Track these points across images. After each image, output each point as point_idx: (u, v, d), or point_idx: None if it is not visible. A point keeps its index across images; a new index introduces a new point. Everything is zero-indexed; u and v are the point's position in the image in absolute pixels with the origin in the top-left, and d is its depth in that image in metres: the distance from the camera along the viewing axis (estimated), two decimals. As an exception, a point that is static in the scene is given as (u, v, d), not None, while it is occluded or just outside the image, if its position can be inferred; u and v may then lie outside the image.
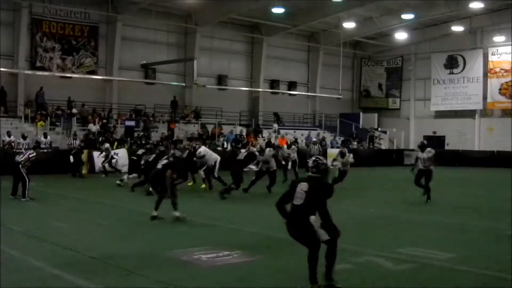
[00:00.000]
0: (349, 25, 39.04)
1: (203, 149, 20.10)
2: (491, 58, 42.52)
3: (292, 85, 43.91)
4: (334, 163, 20.90)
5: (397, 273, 8.21)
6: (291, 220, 7.04)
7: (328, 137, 41.05)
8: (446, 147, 43.09)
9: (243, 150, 20.76)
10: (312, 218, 6.83)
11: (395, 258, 9.02)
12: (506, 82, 41.79)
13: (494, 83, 42.32)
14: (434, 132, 44.70)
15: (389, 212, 15.10)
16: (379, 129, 45.62)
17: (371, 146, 42.42)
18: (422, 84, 46.22)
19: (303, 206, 6.89)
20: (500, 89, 42.10)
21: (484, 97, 42.66)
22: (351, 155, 21.45)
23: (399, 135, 44.71)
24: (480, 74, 42.91)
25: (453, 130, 43.87)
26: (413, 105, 46.88)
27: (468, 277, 8.21)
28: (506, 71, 41.81)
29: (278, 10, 34.52)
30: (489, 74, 42.55)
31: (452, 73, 44.23)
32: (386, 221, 13.48)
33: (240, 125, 38.33)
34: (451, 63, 44.23)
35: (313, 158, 7.33)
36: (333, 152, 30.56)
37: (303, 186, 6.99)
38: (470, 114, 43.56)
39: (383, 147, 43.62)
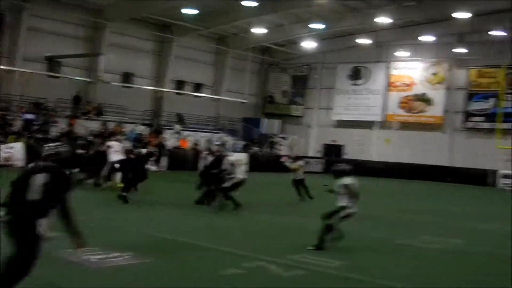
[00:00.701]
0: (258, 30, 39.41)
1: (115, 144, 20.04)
2: (393, 72, 44.25)
3: (198, 87, 43.79)
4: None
5: (285, 280, 8.35)
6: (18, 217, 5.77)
7: (230, 140, 41.21)
8: (345, 156, 44.37)
9: (143, 150, 20.53)
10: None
11: (286, 265, 9.16)
12: (406, 96, 43.58)
13: (395, 97, 44.01)
14: (334, 141, 45.87)
15: (285, 218, 15.34)
16: (280, 135, 46.28)
17: (271, 151, 42.96)
18: (326, 93, 47.26)
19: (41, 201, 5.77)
20: (399, 103, 43.83)
21: (384, 109, 44.27)
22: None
23: (299, 142, 45.58)
24: (381, 87, 44.50)
25: (353, 140, 45.15)
26: (316, 113, 47.88)
27: (354, 285, 8.47)
28: (406, 85, 43.56)
29: (190, 11, 34.30)
30: (390, 88, 44.21)
31: (356, 84, 45.56)
32: (282, 227, 13.69)
33: (143, 124, 37.76)
34: (356, 75, 45.57)
35: (51, 144, 6.44)
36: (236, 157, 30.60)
37: (40, 178, 5.83)
38: (370, 125, 45.00)
39: (282, 153, 44.21)
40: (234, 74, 45.18)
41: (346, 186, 10.73)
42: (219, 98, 44.71)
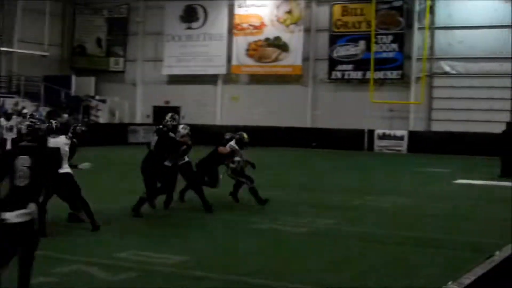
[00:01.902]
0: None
1: None
2: (237, 11, 44.56)
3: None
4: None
5: (112, 285, 8.20)
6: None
7: (30, 107, 39.67)
8: (182, 121, 44.35)
9: None
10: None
11: (113, 266, 9.05)
12: (255, 41, 44.20)
13: (241, 42, 44.53)
14: (167, 102, 45.76)
15: (116, 204, 14.94)
16: (97, 97, 45.46)
17: (87, 120, 41.96)
18: (153, 40, 47.00)
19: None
20: (247, 50, 44.40)
21: (229, 60, 44.76)
22: None
23: (122, 106, 45.02)
24: (224, 30, 44.86)
25: (191, 100, 45.27)
26: (141, 67, 47.49)
27: (202, 284, 8.53)
28: (255, 27, 44.11)
29: None
30: (234, 31, 44.60)
31: (191, 28, 45.59)
32: (108, 216, 13.33)
33: None
34: (190, 16, 45.55)
35: (27, 123, 7.48)
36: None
37: (24, 161, 7.02)
38: (212, 80, 45.37)
39: (101, 120, 43.47)
40: (29, 17, 43.43)
41: None
42: (11, 51, 42.82)
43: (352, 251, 10.82)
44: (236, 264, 9.62)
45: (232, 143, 15.24)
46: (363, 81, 40.73)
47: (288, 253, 10.55)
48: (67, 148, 11.49)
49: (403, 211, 15.75)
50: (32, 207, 6.81)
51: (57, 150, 10.78)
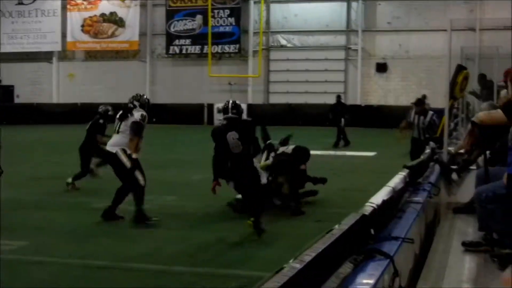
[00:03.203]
0: None
1: None
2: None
3: None
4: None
5: None
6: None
7: None
8: (17, 100, 42.92)
9: None
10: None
11: None
12: (90, 17, 43.36)
13: (76, 18, 43.48)
14: (-1, 81, 44.18)
15: None
16: None
17: None
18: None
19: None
20: (82, 26, 43.47)
21: (64, 36, 43.60)
22: None
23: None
24: (57, 6, 43.59)
25: (25, 78, 43.80)
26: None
27: (42, 269, 8.25)
28: (90, 3, 43.30)
29: None
30: (68, 7, 43.48)
31: (22, 3, 43.96)
32: None
33: None
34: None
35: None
36: None
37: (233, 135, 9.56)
38: (47, 57, 44.11)
39: None
40: None
41: None
42: None
43: (194, 227, 10.81)
44: (77, 247, 9.39)
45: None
46: (201, 56, 40.84)
47: (132, 232, 10.40)
48: None
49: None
50: None
51: None
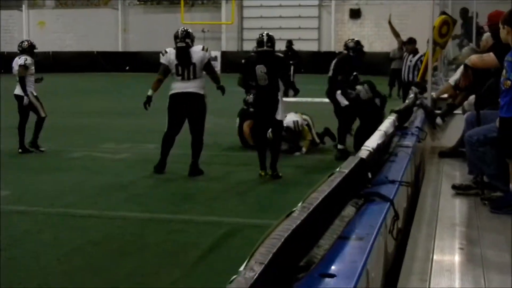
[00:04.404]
0: None
1: None
2: None
3: None
4: None
5: None
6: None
7: None
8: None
9: None
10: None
11: None
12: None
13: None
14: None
15: None
16: None
17: None
18: None
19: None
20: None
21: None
22: None
23: None
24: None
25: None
26: None
27: (26, 219, 8.17)
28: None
29: None
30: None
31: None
32: None
33: None
34: None
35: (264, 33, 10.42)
36: None
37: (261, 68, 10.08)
38: (16, 5, 43.43)
39: None
40: None
41: None
42: None
43: (179, 177, 10.77)
44: (58, 195, 9.28)
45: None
46: (174, 3, 40.39)
47: (112, 180, 10.31)
48: None
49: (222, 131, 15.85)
50: None
51: None
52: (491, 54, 6.11)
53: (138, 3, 41.85)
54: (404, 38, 17.58)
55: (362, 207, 3.88)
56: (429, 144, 8.62)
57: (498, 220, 5.36)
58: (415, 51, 16.20)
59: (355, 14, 38.48)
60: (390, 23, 16.19)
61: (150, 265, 6.40)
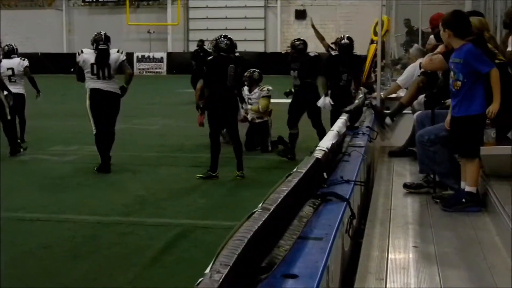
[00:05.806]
0: None
1: None
2: None
3: None
4: None
5: None
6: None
7: None
8: None
9: None
10: None
11: None
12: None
13: (-14, -35, 41.96)
14: None
15: None
16: None
17: None
18: None
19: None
20: (-6, -28, 41.99)
21: (-26, -17, 42.02)
22: None
23: None
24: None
25: None
26: None
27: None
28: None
29: None
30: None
31: None
32: None
33: None
34: None
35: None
36: None
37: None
38: (-43, 5, 42.54)
39: None
40: None
41: None
42: None
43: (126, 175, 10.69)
44: (5, 200, 9.09)
45: None
46: (119, 4, 40.10)
47: (59, 183, 10.17)
48: None
49: (170, 132, 15.81)
50: None
51: None
52: (439, 56, 6.18)
53: (82, 4, 41.38)
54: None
55: (320, 207, 3.89)
56: (379, 144, 8.69)
57: (450, 218, 5.43)
58: None
59: (301, 15, 38.64)
60: (313, 26, 16.13)
61: (103, 268, 6.34)
